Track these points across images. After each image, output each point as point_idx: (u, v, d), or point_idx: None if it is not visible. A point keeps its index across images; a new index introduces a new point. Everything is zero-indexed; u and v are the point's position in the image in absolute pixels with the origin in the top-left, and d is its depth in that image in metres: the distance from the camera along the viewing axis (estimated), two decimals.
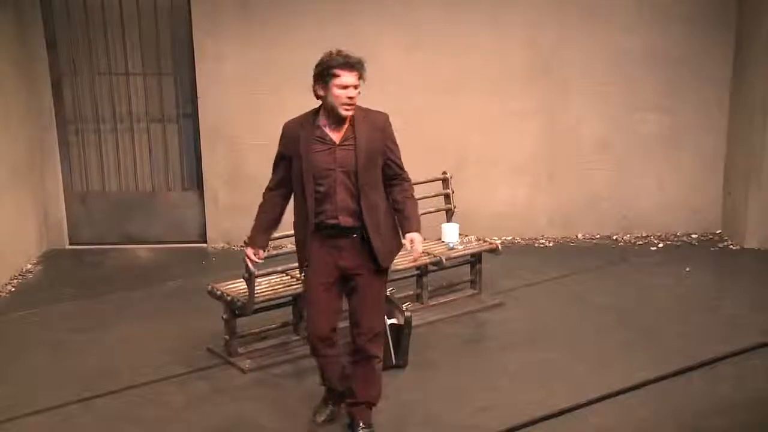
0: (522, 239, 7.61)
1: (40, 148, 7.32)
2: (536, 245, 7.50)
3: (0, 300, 6.21)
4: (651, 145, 7.53)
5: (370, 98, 7.45)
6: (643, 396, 4.55)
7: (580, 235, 7.66)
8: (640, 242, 7.50)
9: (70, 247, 7.61)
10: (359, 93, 3.82)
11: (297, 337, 5.22)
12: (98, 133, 7.50)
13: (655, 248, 7.33)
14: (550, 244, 7.51)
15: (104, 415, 4.41)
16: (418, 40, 7.27)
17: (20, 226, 6.94)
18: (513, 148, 7.51)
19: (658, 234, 7.63)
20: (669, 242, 7.47)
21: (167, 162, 7.58)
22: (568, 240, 7.60)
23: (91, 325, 5.68)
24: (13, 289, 6.46)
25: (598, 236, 7.65)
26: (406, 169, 4.02)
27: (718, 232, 7.65)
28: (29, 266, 6.99)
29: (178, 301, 6.09)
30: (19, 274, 6.76)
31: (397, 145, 3.99)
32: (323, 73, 3.77)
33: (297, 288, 5.10)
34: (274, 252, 5.14)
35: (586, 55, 7.35)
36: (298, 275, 5.22)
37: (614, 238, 7.61)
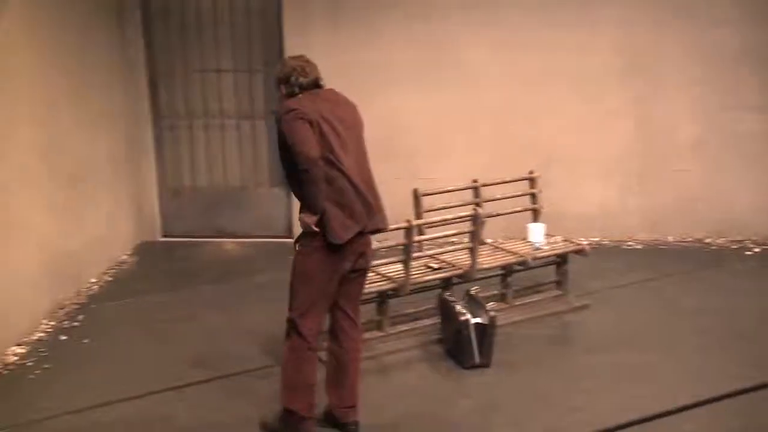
0: (610, 241, 7.47)
1: (137, 144, 7.58)
2: (624, 247, 7.35)
3: (98, 289, 6.47)
4: (747, 145, 7.27)
5: (457, 97, 7.50)
6: (734, 406, 4.40)
7: (671, 238, 7.47)
8: (735, 246, 7.25)
9: (163, 239, 7.85)
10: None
11: (381, 334, 5.25)
12: (190, 130, 7.72)
13: (750, 253, 7.08)
14: (639, 247, 7.35)
15: (195, 403, 4.54)
16: (505, 39, 7.22)
17: (117, 219, 7.21)
18: (602, 147, 7.38)
19: (754, 238, 7.36)
20: (765, 247, 7.21)
21: (256, 158, 7.74)
22: (659, 242, 7.42)
23: (182, 316, 5.86)
24: (110, 279, 6.71)
25: (690, 239, 7.44)
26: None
27: None
28: (125, 257, 7.25)
29: (264, 295, 6.20)
30: (116, 264, 7.02)
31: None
32: None
33: (381, 285, 5.14)
34: None
35: (680, 52, 7.16)
36: (384, 273, 5.28)
37: (707, 241, 7.39)
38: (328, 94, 3.97)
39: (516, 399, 4.50)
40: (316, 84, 3.93)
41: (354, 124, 3.94)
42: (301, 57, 4.02)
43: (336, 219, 3.80)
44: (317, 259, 3.87)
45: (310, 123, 3.72)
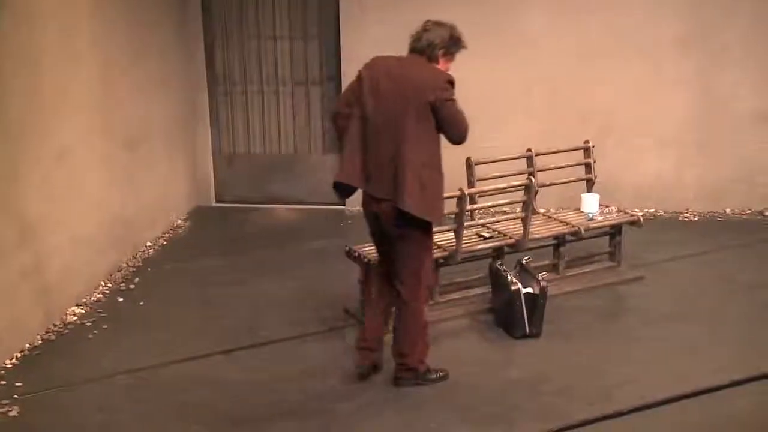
0: (665, 212, 7.34)
1: (193, 109, 7.68)
2: (680, 219, 7.22)
3: (154, 252, 6.60)
4: None
5: (513, 65, 7.38)
6: None
7: (728, 210, 7.31)
8: None
9: (216, 205, 7.96)
10: None
11: (431, 302, 5.25)
12: (245, 95, 7.78)
13: None
14: (696, 219, 7.21)
15: (247, 366, 4.63)
16: (564, 6, 7.09)
17: (173, 183, 7.32)
18: (661, 117, 7.23)
19: None
20: None
21: (310, 124, 7.77)
22: (715, 215, 7.27)
23: (235, 281, 5.95)
24: (165, 243, 6.83)
25: (748, 211, 7.27)
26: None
27: None
28: (179, 221, 7.37)
29: (316, 261, 6.25)
30: (171, 229, 7.15)
31: None
32: (457, 47, 4.28)
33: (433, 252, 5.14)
34: None
35: (747, 22, 6.96)
36: (435, 241, 5.26)
37: (767, 214, 7.22)
38: (407, 58, 4.17)
39: (565, 370, 4.49)
40: (419, 50, 4.17)
41: (404, 94, 4.00)
42: (435, 23, 4.32)
43: (347, 159, 4.10)
44: None
45: (359, 77, 4.09)
